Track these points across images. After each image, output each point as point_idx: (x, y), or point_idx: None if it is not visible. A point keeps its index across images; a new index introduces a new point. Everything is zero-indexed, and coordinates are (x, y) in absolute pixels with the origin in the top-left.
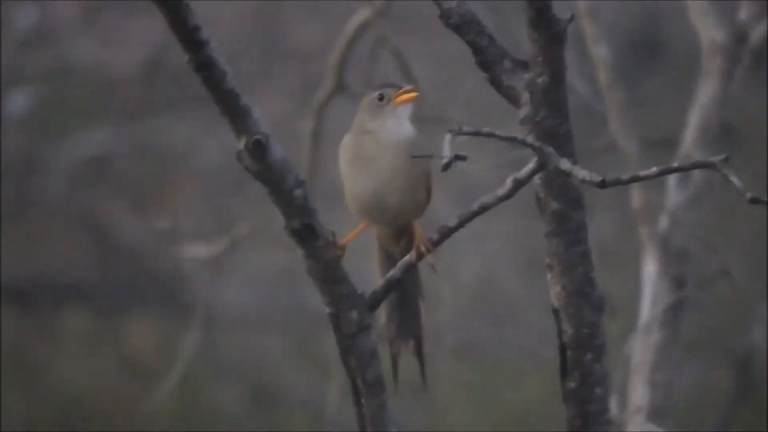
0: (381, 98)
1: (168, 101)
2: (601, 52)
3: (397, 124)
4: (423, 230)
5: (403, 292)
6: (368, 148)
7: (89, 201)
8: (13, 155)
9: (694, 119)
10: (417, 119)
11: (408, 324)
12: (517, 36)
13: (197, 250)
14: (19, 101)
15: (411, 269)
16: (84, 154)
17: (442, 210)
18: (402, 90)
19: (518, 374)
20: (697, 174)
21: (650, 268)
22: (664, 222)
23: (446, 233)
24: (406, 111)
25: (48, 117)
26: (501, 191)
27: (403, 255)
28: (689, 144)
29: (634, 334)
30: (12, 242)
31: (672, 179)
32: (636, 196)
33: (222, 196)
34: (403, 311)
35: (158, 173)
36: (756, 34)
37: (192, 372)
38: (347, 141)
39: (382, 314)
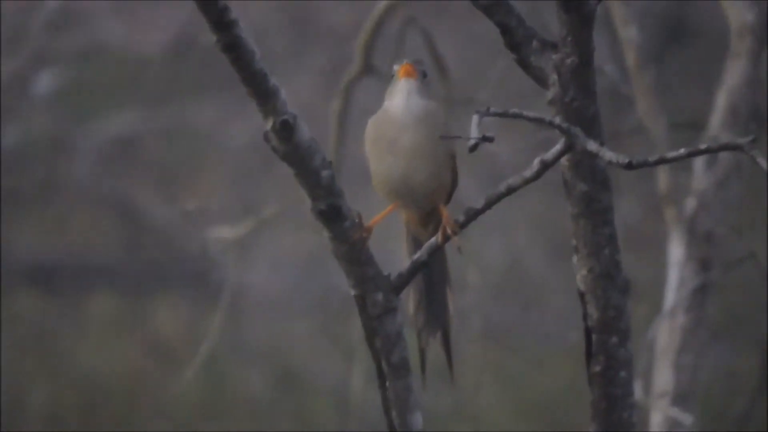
0: (393, 75)
1: (196, 83)
2: (629, 33)
3: (402, 99)
4: (450, 213)
5: (431, 280)
6: (386, 128)
7: (117, 182)
8: (40, 136)
9: (721, 101)
10: (446, 100)
11: (436, 315)
12: (545, 17)
13: (224, 232)
14: (47, 82)
15: (438, 254)
16: (112, 136)
17: (470, 192)
18: (403, 65)
19: (544, 358)
20: (724, 156)
21: (676, 251)
22: (690, 205)
23: (473, 215)
24: (410, 86)
25: (76, 98)
26: (528, 173)
27: (430, 238)
28: (717, 126)
29: (660, 318)
30: (39, 224)
31: (699, 162)
32: (663, 178)
33: (249, 178)
34: (430, 301)
35: (186, 155)
36: None
37: (218, 355)
38: (371, 121)
39: (410, 304)
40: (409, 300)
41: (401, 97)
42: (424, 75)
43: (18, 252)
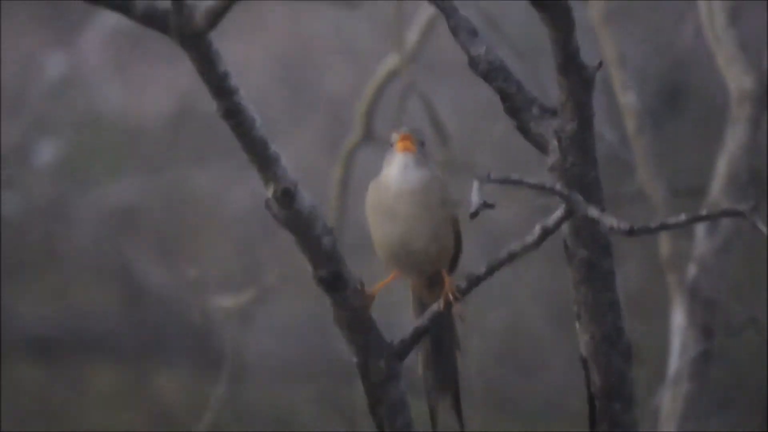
0: (391, 145)
1: (196, 150)
2: (629, 99)
3: (399, 172)
4: (452, 279)
5: (439, 343)
6: (384, 196)
7: (117, 251)
8: (40, 205)
9: (722, 167)
10: (446, 165)
11: (445, 375)
12: (545, 83)
13: (225, 300)
14: (47, 150)
15: (443, 319)
16: (112, 204)
17: (471, 258)
18: (400, 138)
19: (546, 425)
20: (725, 222)
21: (679, 317)
22: (692, 270)
23: (475, 281)
24: (407, 159)
25: (76, 166)
26: (529, 239)
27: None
28: (717, 192)
29: (663, 384)
30: (39, 293)
31: (700, 227)
32: (664, 244)
33: (251, 245)
34: (439, 363)
35: (187, 222)
36: None
37: (220, 423)
38: (370, 187)
39: (419, 365)
40: (419, 362)
41: (398, 170)
42: (422, 144)
43: (18, 321)
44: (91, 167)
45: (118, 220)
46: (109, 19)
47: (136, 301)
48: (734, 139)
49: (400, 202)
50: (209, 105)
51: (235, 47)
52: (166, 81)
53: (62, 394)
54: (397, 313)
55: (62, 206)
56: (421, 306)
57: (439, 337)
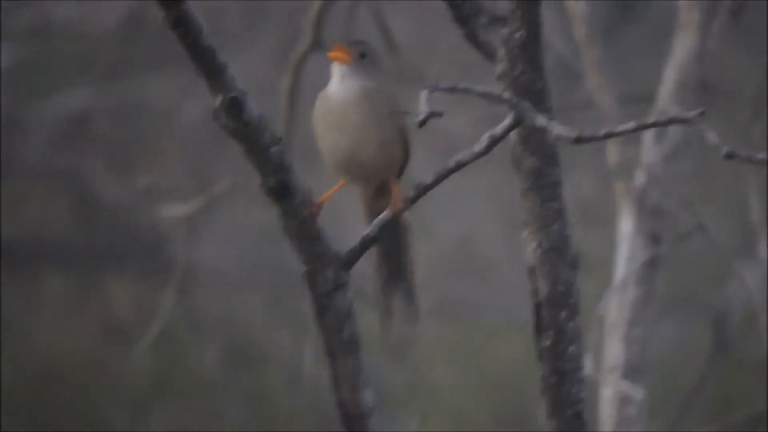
0: None
1: (149, 60)
2: (578, 7)
3: (336, 82)
4: (400, 188)
5: (390, 252)
6: (329, 108)
7: (70, 160)
8: None
9: (670, 74)
10: (397, 76)
11: (398, 272)
12: None
13: (175, 209)
14: None
15: (395, 226)
16: (64, 114)
17: (422, 168)
18: (334, 47)
19: (497, 331)
20: (673, 130)
21: (626, 225)
22: (640, 178)
23: (422, 190)
24: (342, 69)
25: (28, 76)
26: (477, 148)
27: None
28: (666, 99)
29: (610, 292)
30: None
31: (649, 135)
32: (613, 152)
33: (203, 155)
34: (391, 263)
35: (139, 132)
36: None
37: (170, 331)
38: (318, 99)
39: (372, 266)
40: (373, 264)
41: (335, 81)
42: (362, 55)
43: None
44: (43, 77)
45: (71, 129)
46: None
47: (88, 210)
48: (683, 45)
49: (345, 113)
50: (160, 13)
51: None
52: None
53: (13, 302)
54: (348, 222)
55: (14, 116)
56: (371, 215)
57: (389, 246)
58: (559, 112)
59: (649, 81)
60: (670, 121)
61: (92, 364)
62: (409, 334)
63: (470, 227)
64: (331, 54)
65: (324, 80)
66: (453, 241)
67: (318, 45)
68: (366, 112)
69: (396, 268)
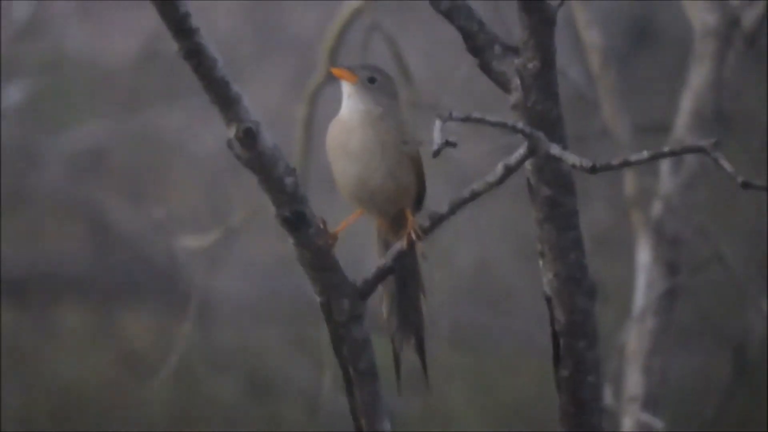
0: None
1: (163, 90)
2: (592, 37)
3: (344, 105)
4: (416, 218)
5: (404, 285)
6: (337, 132)
7: (86, 192)
8: (9, 147)
9: (686, 104)
10: (410, 105)
11: (409, 319)
12: (507, 21)
13: (192, 240)
14: (14, 93)
15: (407, 259)
16: (80, 145)
17: (438, 198)
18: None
19: (513, 361)
20: (690, 159)
21: (644, 255)
22: (657, 208)
23: (437, 220)
24: (349, 89)
25: (44, 108)
26: (492, 177)
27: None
28: (682, 129)
29: (629, 321)
30: (9, 234)
31: (665, 165)
32: (630, 182)
33: (218, 185)
34: (403, 306)
35: (154, 163)
36: (748, 18)
37: (188, 362)
38: (330, 127)
39: (383, 309)
40: (383, 305)
41: (344, 102)
42: (371, 80)
43: None
44: (59, 109)
45: (87, 161)
46: None
47: (104, 242)
48: (698, 76)
49: (349, 137)
50: (174, 46)
51: None
52: (133, 21)
53: (32, 335)
54: (363, 253)
55: (31, 148)
56: (386, 246)
57: (403, 280)
58: (574, 141)
59: (665, 110)
60: (685, 150)
61: (110, 395)
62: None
63: (486, 255)
64: (335, 70)
65: (337, 109)
66: (469, 269)
67: (333, 75)
68: (371, 137)
69: (407, 305)
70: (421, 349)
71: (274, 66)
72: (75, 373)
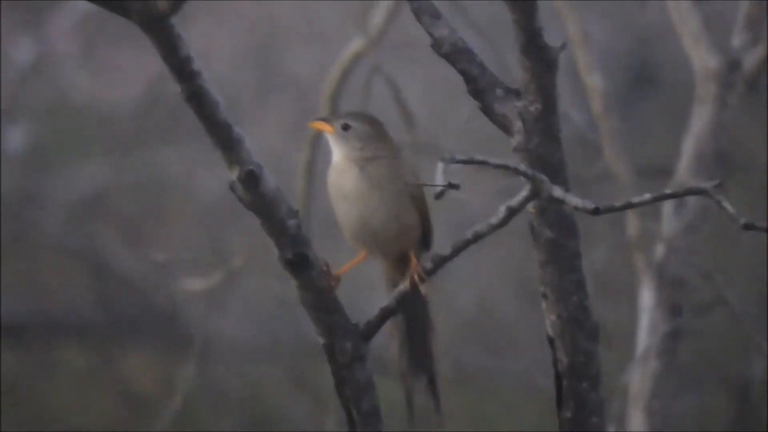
0: None
1: (165, 134)
2: (594, 80)
3: (333, 152)
4: (419, 260)
5: (413, 326)
6: (333, 178)
7: (87, 235)
8: (10, 191)
9: (688, 147)
10: (412, 147)
11: (420, 359)
12: (509, 64)
13: (193, 282)
14: (16, 137)
15: (412, 300)
16: (81, 189)
17: (441, 239)
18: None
19: (514, 401)
20: (692, 201)
21: (647, 297)
22: (660, 250)
23: (440, 262)
24: (329, 138)
25: (46, 152)
26: (494, 219)
27: None
28: (684, 171)
29: (632, 363)
30: (9, 277)
31: (668, 207)
32: (632, 224)
33: (219, 227)
34: (413, 346)
35: (155, 206)
36: (749, 61)
37: (190, 404)
38: (329, 171)
39: (393, 349)
40: (391, 346)
41: (335, 152)
42: (345, 127)
43: None
44: (61, 152)
45: (88, 204)
46: (78, 4)
47: (105, 284)
48: (700, 118)
49: (345, 180)
50: (176, 88)
51: (202, 30)
52: (135, 65)
53: (32, 377)
54: (367, 294)
55: (32, 191)
56: (394, 285)
57: (412, 319)
58: (577, 183)
59: (667, 153)
60: (687, 192)
61: None
62: (423, 403)
63: (487, 296)
64: (311, 123)
65: None
66: (470, 310)
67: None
68: (361, 179)
69: (417, 344)
70: (433, 389)
71: (275, 108)
72: (76, 415)
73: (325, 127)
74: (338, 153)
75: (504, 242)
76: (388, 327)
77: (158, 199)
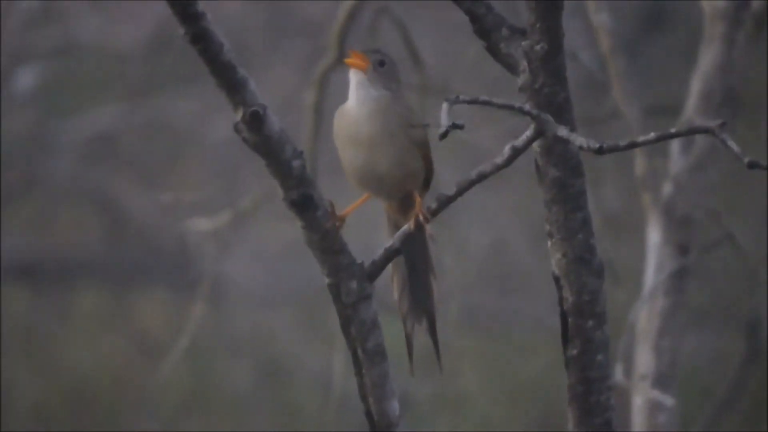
0: None
1: (175, 77)
2: (602, 19)
3: (353, 93)
4: (424, 200)
5: (414, 267)
6: (344, 121)
7: (97, 178)
8: (20, 133)
9: (696, 86)
10: (420, 89)
11: (420, 302)
12: (515, 3)
13: (203, 223)
14: (25, 79)
15: (415, 241)
16: (92, 132)
17: (448, 181)
18: (350, 53)
19: (525, 343)
20: (700, 140)
21: (654, 235)
22: (667, 189)
23: (444, 202)
24: (358, 77)
25: (55, 94)
26: (499, 159)
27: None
28: (691, 110)
29: (639, 302)
30: (21, 220)
31: (675, 146)
32: (639, 163)
33: (230, 170)
34: (414, 288)
35: (166, 149)
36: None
37: (200, 346)
38: (335, 115)
39: (394, 291)
40: (393, 287)
41: (352, 92)
42: (381, 63)
43: (1, 248)
44: (71, 95)
45: (98, 147)
46: None
47: (116, 226)
48: (708, 58)
49: (359, 127)
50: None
51: None
52: (144, 8)
53: (45, 319)
54: (372, 235)
55: (42, 134)
56: (396, 227)
57: (413, 262)
58: (585, 123)
59: (675, 93)
60: (692, 131)
61: (123, 377)
62: (435, 353)
63: (498, 239)
64: (348, 60)
65: (347, 94)
66: (481, 253)
67: (342, 60)
68: (380, 126)
69: (418, 287)
70: (432, 332)
71: (284, 51)
72: (88, 356)
73: (360, 63)
74: (368, 94)
75: (516, 185)
76: (389, 269)
77: (169, 142)
